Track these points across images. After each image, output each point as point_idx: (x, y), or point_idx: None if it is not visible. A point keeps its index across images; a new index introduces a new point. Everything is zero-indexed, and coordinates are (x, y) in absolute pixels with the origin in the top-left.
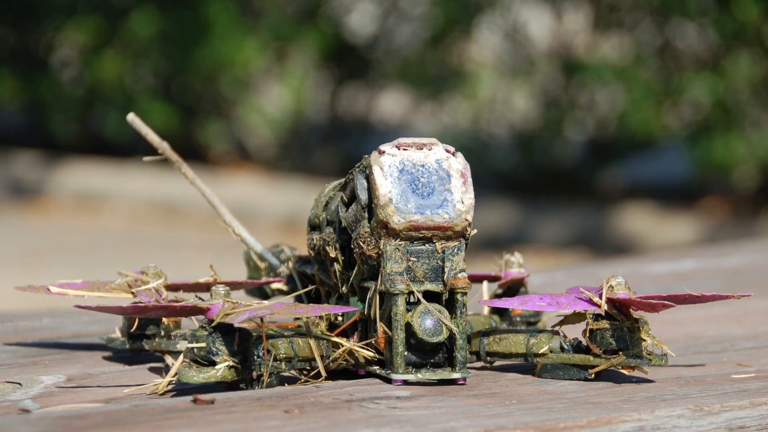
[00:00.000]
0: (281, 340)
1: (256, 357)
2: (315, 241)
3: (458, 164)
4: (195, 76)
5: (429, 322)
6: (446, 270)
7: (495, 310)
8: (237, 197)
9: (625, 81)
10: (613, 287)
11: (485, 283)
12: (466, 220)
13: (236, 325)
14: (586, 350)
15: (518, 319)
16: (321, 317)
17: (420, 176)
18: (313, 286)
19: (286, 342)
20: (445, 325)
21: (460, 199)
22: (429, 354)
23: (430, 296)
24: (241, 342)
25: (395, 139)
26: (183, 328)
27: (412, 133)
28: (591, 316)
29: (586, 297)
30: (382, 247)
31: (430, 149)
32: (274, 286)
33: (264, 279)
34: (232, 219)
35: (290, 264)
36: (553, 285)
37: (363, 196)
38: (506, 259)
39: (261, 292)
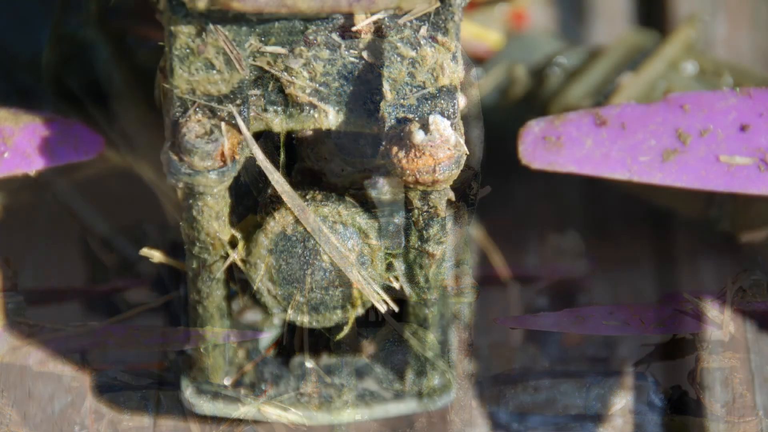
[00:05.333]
0: None
1: None
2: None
3: None
4: None
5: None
6: None
7: (529, 337)
8: None
9: None
10: (745, 291)
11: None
12: None
13: None
14: (696, 408)
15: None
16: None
17: None
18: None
19: None
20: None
21: None
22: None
23: None
24: None
25: None
26: None
27: None
28: (705, 344)
29: (695, 309)
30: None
31: None
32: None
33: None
34: None
35: (159, 254)
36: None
37: None
38: (552, 243)
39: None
